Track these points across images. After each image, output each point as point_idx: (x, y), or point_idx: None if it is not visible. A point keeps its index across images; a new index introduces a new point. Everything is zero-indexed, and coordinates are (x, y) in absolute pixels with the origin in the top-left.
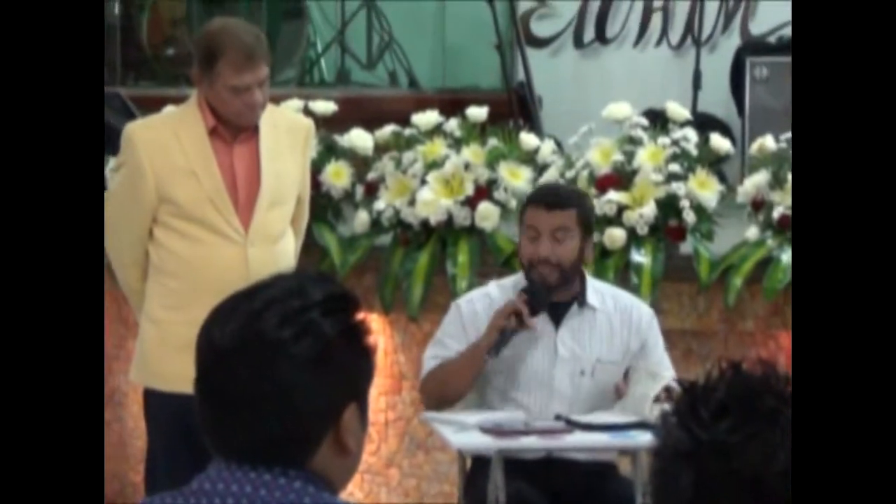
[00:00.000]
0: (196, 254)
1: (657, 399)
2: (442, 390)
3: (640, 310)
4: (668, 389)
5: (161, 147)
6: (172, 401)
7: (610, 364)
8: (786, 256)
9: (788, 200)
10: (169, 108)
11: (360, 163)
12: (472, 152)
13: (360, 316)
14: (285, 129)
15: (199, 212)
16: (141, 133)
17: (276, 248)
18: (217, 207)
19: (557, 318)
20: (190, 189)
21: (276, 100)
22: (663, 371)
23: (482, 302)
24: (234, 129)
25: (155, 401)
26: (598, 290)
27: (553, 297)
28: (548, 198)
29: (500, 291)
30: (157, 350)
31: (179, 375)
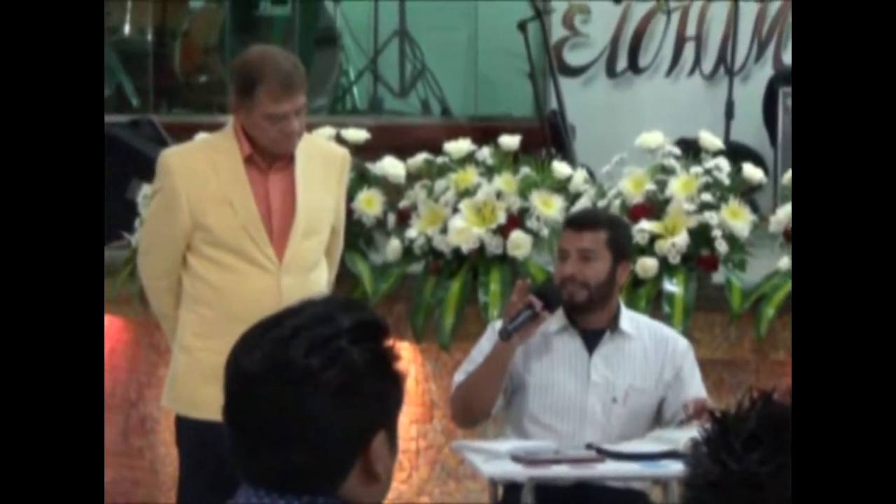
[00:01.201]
0: (229, 283)
1: (684, 421)
2: (469, 397)
3: (677, 341)
4: (698, 415)
5: (196, 174)
6: (202, 428)
7: (642, 392)
8: None
9: None
10: (203, 136)
11: (393, 191)
12: (504, 181)
13: (389, 342)
14: (321, 159)
15: (233, 240)
16: (176, 160)
17: (309, 278)
18: (251, 236)
19: (591, 344)
20: (224, 217)
21: (309, 127)
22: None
23: None
24: (269, 158)
25: (185, 427)
26: (634, 319)
27: (586, 323)
28: (578, 219)
29: None
30: (187, 377)
31: (209, 403)
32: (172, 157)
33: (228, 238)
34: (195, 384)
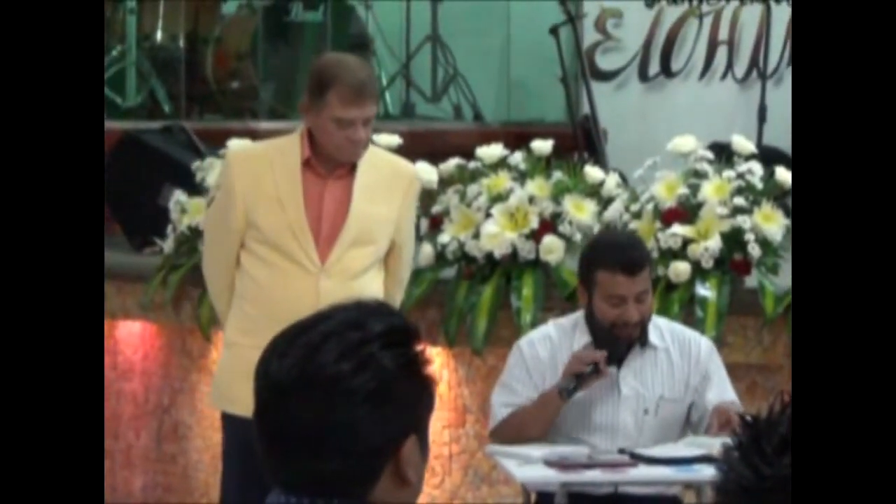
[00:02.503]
0: (271, 280)
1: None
2: (514, 438)
3: (699, 342)
4: (724, 427)
5: (254, 172)
6: (240, 424)
7: (672, 401)
8: None
9: None
10: (277, 138)
11: (425, 196)
12: (536, 186)
13: (420, 347)
14: (388, 174)
15: (279, 239)
16: (237, 158)
17: (353, 284)
18: (296, 236)
19: (619, 358)
20: (273, 216)
21: None
22: (727, 399)
23: (543, 345)
24: (330, 164)
25: (226, 423)
26: (657, 327)
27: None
28: (627, 263)
29: (559, 332)
30: (228, 374)
31: (246, 399)
32: (234, 156)
33: (275, 236)
34: (234, 380)
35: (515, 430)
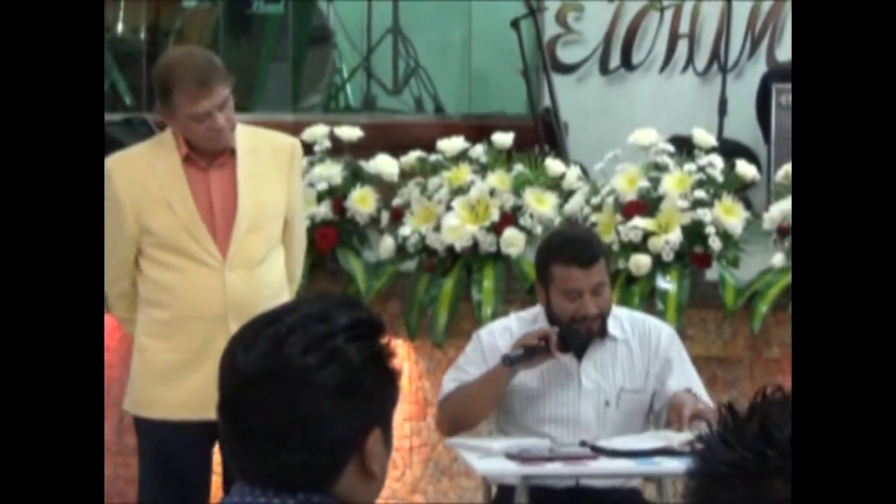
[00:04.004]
0: (175, 282)
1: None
2: (459, 411)
3: (659, 330)
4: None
5: (136, 179)
6: (156, 427)
7: (633, 392)
8: None
9: None
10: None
11: (386, 189)
12: (497, 178)
13: (385, 340)
14: (269, 152)
15: (176, 240)
16: (117, 166)
17: (256, 273)
18: (192, 235)
19: (580, 351)
20: (165, 218)
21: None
22: (693, 388)
23: (503, 336)
24: (208, 156)
25: (141, 428)
26: (617, 318)
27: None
28: (581, 255)
29: (519, 325)
30: (140, 379)
31: (161, 403)
32: (114, 164)
33: (171, 238)
34: (148, 384)
35: (462, 401)
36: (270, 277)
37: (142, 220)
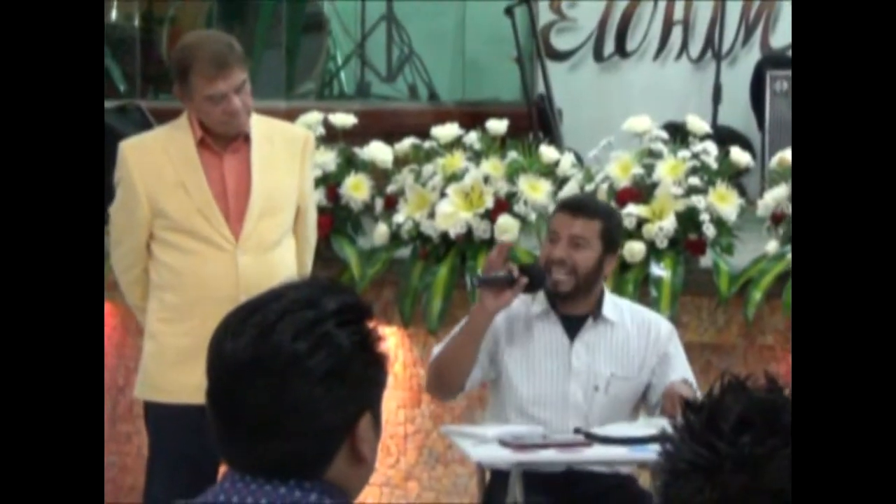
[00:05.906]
0: (188, 265)
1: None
2: (441, 368)
3: (660, 324)
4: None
5: (151, 163)
6: (168, 412)
7: (624, 379)
8: None
9: None
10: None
11: (380, 176)
12: (491, 165)
13: (373, 324)
14: (282, 141)
15: (190, 223)
16: (132, 150)
17: (269, 257)
18: (206, 217)
19: (573, 331)
20: (179, 201)
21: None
22: (689, 380)
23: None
24: (223, 140)
25: (153, 412)
26: (617, 305)
27: (567, 309)
28: (574, 204)
29: (517, 300)
30: (154, 363)
31: (174, 387)
32: (128, 149)
33: (184, 221)
34: (161, 369)
35: (445, 353)
36: (283, 262)
37: (156, 203)
